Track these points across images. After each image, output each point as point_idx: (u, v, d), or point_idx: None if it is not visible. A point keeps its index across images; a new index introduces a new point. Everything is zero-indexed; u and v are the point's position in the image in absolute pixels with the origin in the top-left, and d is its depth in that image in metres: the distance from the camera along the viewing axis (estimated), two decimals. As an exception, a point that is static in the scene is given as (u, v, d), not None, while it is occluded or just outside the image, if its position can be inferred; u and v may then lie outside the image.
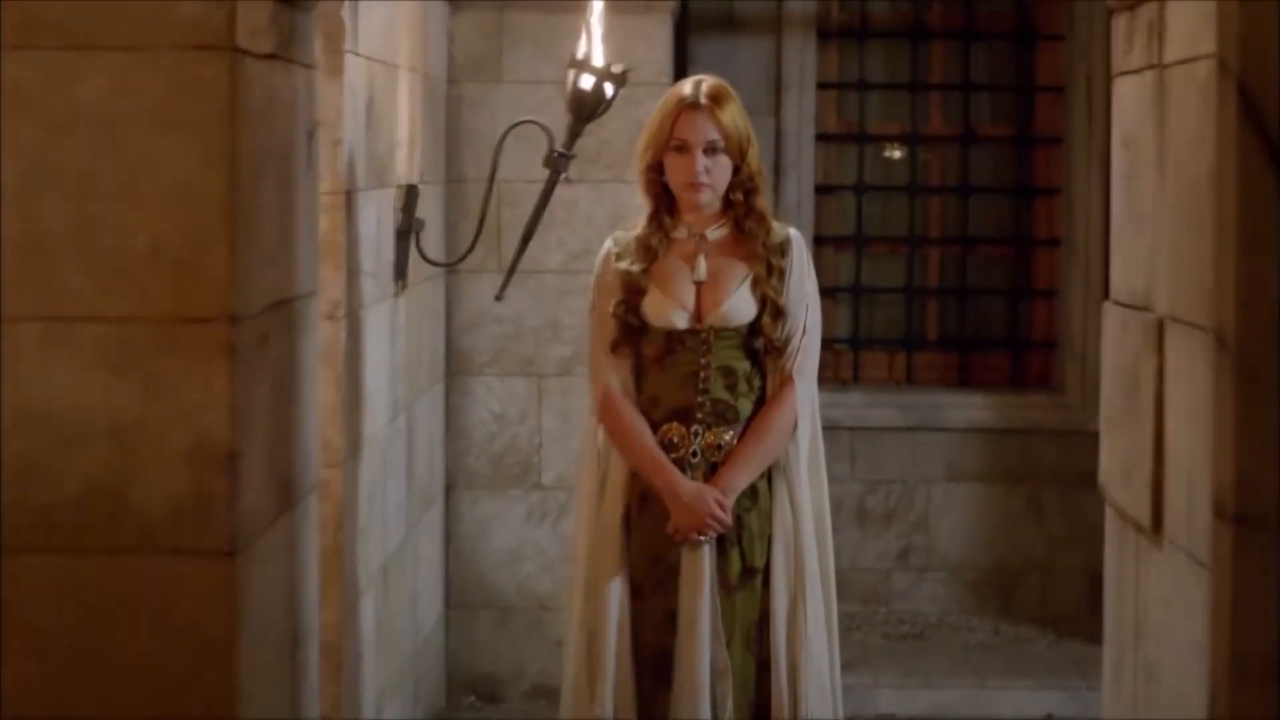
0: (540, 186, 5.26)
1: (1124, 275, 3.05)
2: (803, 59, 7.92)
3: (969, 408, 7.87)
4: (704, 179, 4.45)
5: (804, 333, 4.51)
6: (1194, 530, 2.57)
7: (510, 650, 6.71)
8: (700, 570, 4.40)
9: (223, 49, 2.77)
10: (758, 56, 7.87)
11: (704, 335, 4.45)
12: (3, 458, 2.77)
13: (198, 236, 2.78)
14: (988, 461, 7.82)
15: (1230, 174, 2.38)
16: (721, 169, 4.47)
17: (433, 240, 5.96)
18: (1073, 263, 7.86)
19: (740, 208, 4.51)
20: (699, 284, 4.48)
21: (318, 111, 3.57)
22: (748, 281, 4.47)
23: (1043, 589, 7.81)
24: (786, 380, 4.48)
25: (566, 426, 6.54)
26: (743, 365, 4.48)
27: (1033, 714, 6.82)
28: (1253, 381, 2.38)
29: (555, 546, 6.60)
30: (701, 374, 4.45)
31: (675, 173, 4.47)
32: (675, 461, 4.44)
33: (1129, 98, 3.02)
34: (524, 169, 5.92)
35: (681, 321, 4.46)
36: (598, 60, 4.97)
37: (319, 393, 4.19)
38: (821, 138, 8.04)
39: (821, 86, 8.03)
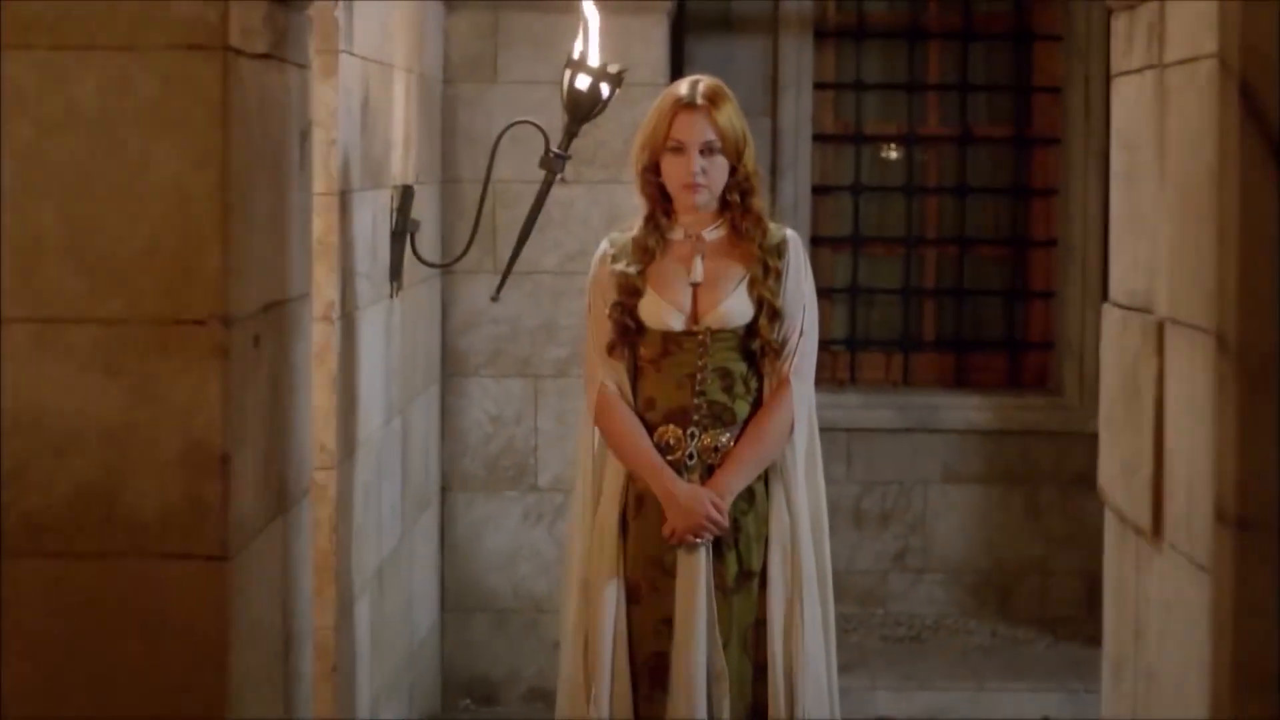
0: (536, 187, 5.24)
1: (1123, 276, 3.03)
2: (799, 59, 7.90)
3: (966, 409, 7.85)
4: (700, 180, 4.43)
5: (801, 334, 4.49)
6: (1194, 533, 2.55)
7: (506, 652, 6.69)
8: (696, 573, 4.39)
9: (216, 49, 2.75)
10: (754, 57, 7.85)
11: (700, 337, 4.44)
12: (2, 460, 2.75)
13: (190, 237, 2.76)
14: (985, 463, 7.80)
15: (1232, 174, 2.36)
16: (718, 170, 4.46)
17: (428, 241, 5.95)
18: (1070, 263, 7.84)
19: (737, 209, 4.50)
20: (695, 285, 4.47)
21: (312, 112, 3.55)
22: (744, 283, 4.46)
23: (1041, 591, 7.79)
24: (783, 382, 4.47)
25: (563, 428, 6.52)
26: (739, 367, 4.47)
27: (1031, 716, 6.80)
28: (1254, 384, 2.36)
29: (551, 548, 6.59)
30: (698, 376, 4.44)
31: (672, 173, 4.46)
32: (671, 464, 4.43)
33: (1128, 98, 3.00)
34: (520, 169, 5.90)
35: (678, 323, 4.44)
36: (594, 60, 4.95)
37: (313, 395, 4.18)
38: (818, 138, 8.03)
39: (818, 87, 8.01)
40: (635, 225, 4.56)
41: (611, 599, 4.46)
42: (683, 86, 4.52)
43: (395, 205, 5.40)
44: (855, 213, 8.10)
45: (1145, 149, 2.85)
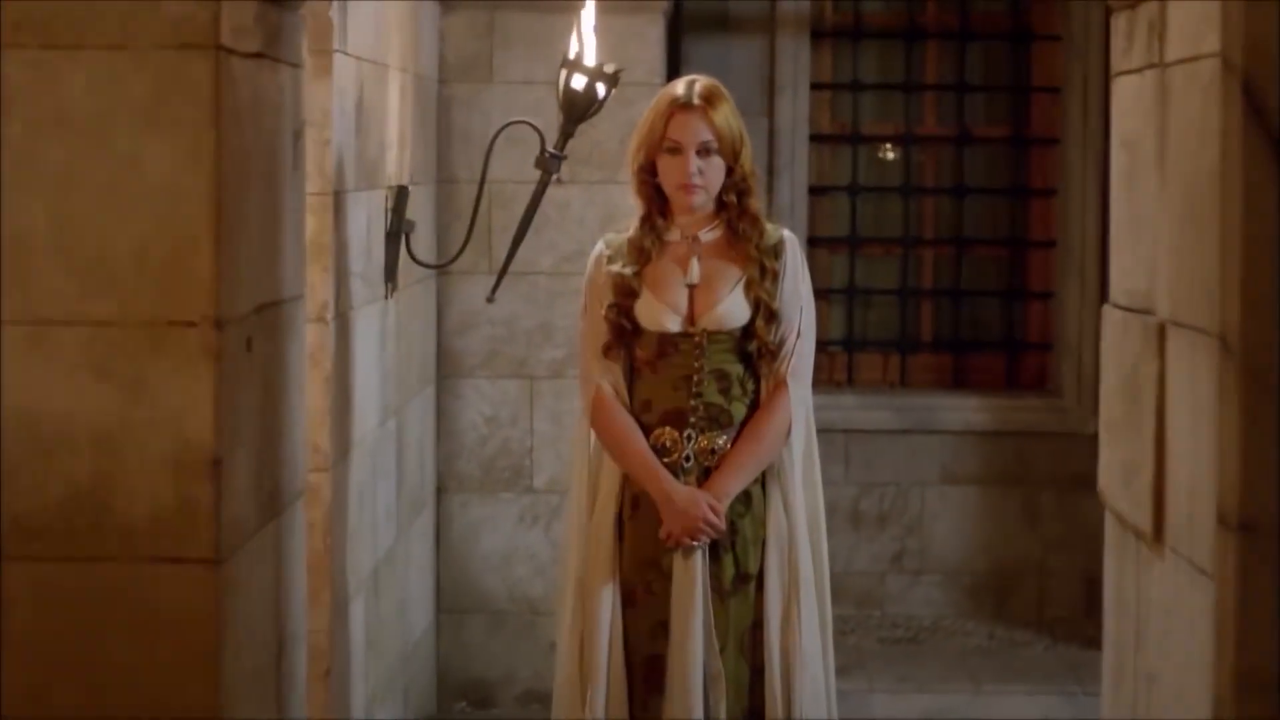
0: (532, 187, 5.23)
1: (1124, 277, 3.01)
2: (796, 59, 7.88)
3: (964, 410, 7.83)
4: (697, 180, 4.41)
5: (798, 335, 4.48)
6: (1196, 537, 2.53)
7: (502, 655, 6.67)
8: (693, 576, 4.37)
9: (207, 48, 2.73)
10: (751, 57, 7.83)
11: (697, 339, 4.42)
12: (2, 463, 2.73)
13: (182, 238, 2.74)
14: (983, 464, 7.79)
15: (1234, 174, 2.34)
16: (715, 170, 4.44)
17: (423, 242, 5.93)
18: (1068, 264, 7.83)
19: (733, 209, 4.48)
20: (692, 287, 4.45)
21: (305, 112, 3.53)
22: (741, 284, 4.44)
23: (1039, 592, 7.78)
24: (780, 384, 4.45)
25: (559, 429, 6.50)
26: (736, 369, 4.45)
27: (1029, 718, 6.78)
28: (1257, 386, 2.34)
29: (547, 550, 6.57)
30: (694, 378, 4.42)
31: (668, 174, 4.44)
32: (668, 466, 4.41)
33: (1129, 97, 2.98)
34: (515, 170, 5.89)
35: (674, 325, 4.42)
36: (590, 60, 4.94)
37: (307, 396, 4.16)
38: (815, 138, 8.01)
39: (815, 87, 7.99)
40: (631, 226, 4.55)
41: (607, 602, 4.44)
42: (679, 86, 4.50)
43: (390, 205, 5.38)
44: (852, 213, 8.08)
45: (1146, 149, 2.83)
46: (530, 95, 6.33)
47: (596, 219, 6.36)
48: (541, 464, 6.63)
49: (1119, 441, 2.99)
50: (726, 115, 4.45)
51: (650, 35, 6.56)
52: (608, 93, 4.99)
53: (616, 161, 5.93)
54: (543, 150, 5.12)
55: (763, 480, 4.48)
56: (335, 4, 4.64)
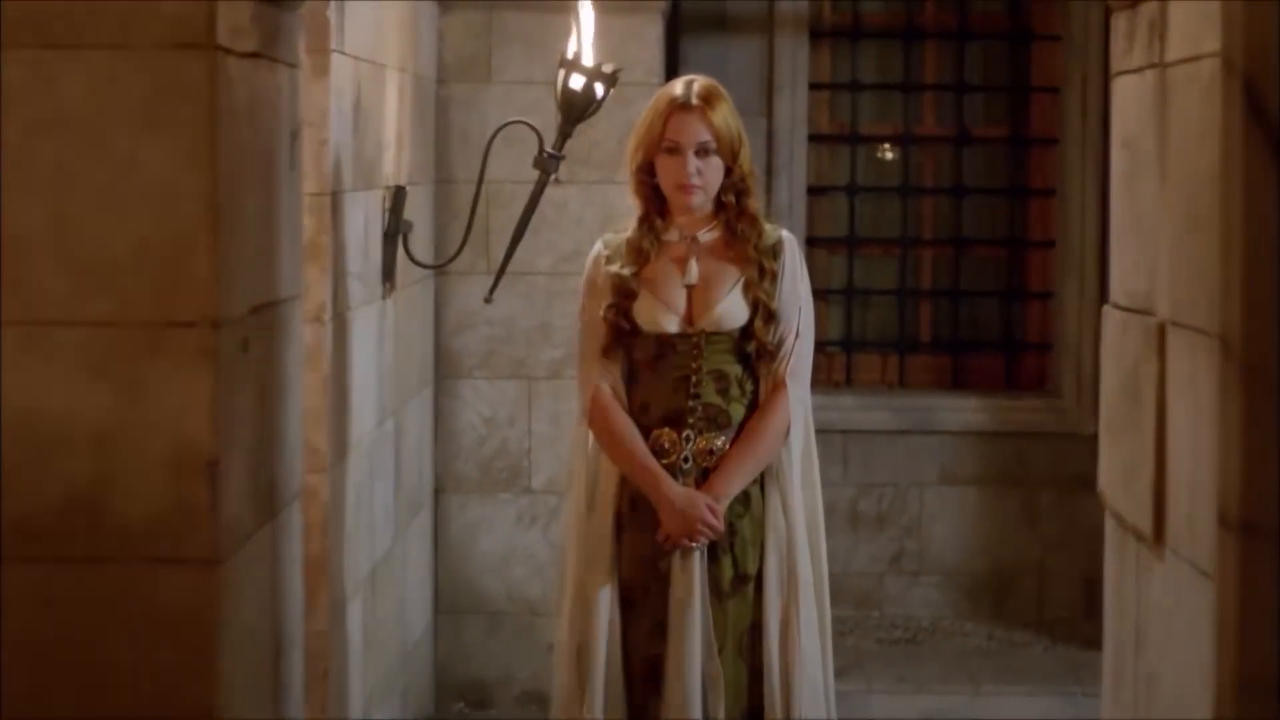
0: (530, 188, 5.22)
1: (1124, 278, 3.00)
2: (795, 59, 7.87)
3: (963, 410, 7.82)
4: (695, 181, 4.41)
5: (796, 336, 4.47)
6: (1197, 539, 2.52)
7: (500, 655, 6.66)
8: (691, 577, 4.36)
9: (204, 48, 2.72)
10: (749, 56, 7.83)
11: (695, 339, 4.41)
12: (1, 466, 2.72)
13: (179, 239, 2.72)
14: (982, 465, 7.78)
15: (1235, 174, 2.32)
16: (713, 170, 4.43)
17: (421, 242, 5.92)
18: (1067, 264, 7.82)
19: (732, 210, 4.47)
20: (690, 287, 4.44)
21: (303, 112, 3.52)
22: (740, 285, 4.43)
23: (1037, 593, 7.77)
24: (779, 384, 4.45)
25: (557, 430, 6.49)
26: (735, 369, 4.44)
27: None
28: (1258, 387, 2.33)
29: (545, 551, 6.56)
30: (693, 378, 4.42)
31: (666, 174, 4.43)
32: (666, 467, 4.40)
33: (1129, 97, 2.97)
34: (514, 170, 5.88)
35: (673, 325, 4.42)
36: (588, 60, 4.93)
37: (305, 397, 4.14)
38: (814, 138, 8.00)
39: (814, 87, 7.99)
40: (630, 226, 4.54)
41: (606, 603, 4.44)
42: (677, 86, 4.49)
43: (388, 206, 5.37)
44: (851, 213, 8.07)
45: (1146, 149, 2.82)
46: (528, 95, 6.32)
47: (595, 219, 6.35)
48: (540, 464, 6.62)
49: (1119, 442, 2.98)
50: (725, 115, 4.44)
51: (648, 35, 6.55)
52: (606, 93, 4.98)
53: (615, 162, 5.92)
54: (541, 150, 5.11)
55: (761, 481, 4.47)
56: (333, 4, 4.63)
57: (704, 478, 4.42)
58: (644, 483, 4.41)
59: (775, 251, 4.48)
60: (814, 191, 8.02)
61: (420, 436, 6.27)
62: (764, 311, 4.43)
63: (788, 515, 4.46)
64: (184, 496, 2.73)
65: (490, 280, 5.53)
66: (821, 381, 7.62)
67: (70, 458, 2.73)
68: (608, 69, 4.94)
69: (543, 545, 6.60)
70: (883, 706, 6.83)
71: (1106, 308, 3.09)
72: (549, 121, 5.14)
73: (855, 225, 8.07)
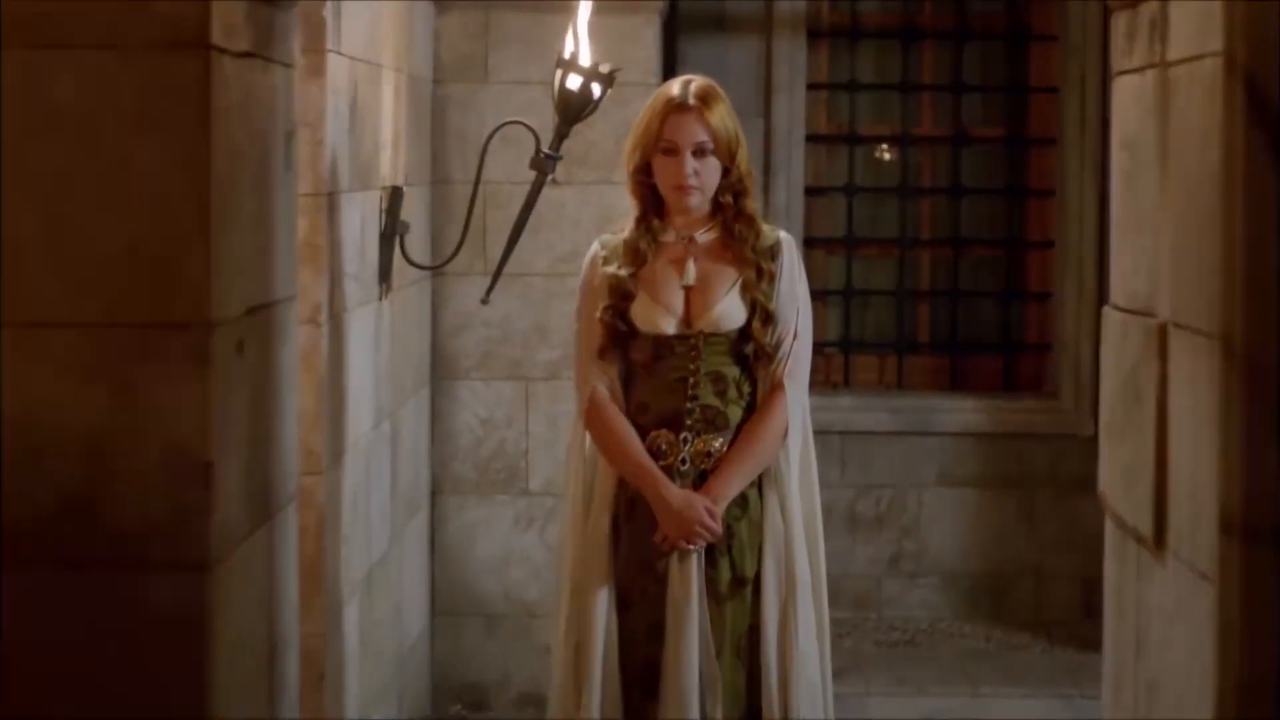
0: (527, 188, 5.19)
1: (1124, 279, 2.98)
2: (793, 59, 7.86)
3: (961, 411, 7.81)
4: (692, 181, 4.39)
5: (794, 337, 4.45)
6: (1198, 542, 2.50)
7: (497, 658, 6.65)
8: (689, 580, 4.34)
9: (198, 47, 2.70)
10: (747, 57, 7.81)
11: (693, 341, 4.39)
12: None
13: (172, 240, 2.70)
14: (980, 466, 7.77)
15: (1237, 174, 2.31)
16: (710, 171, 4.41)
17: (418, 243, 5.90)
18: (1066, 265, 7.81)
19: (729, 210, 4.46)
20: (688, 289, 4.43)
21: (299, 112, 3.50)
22: (737, 286, 4.42)
23: (1036, 595, 7.76)
24: (777, 386, 4.43)
25: (554, 431, 6.48)
26: (732, 371, 4.42)
27: (1026, 721, 6.78)
28: (1260, 389, 2.31)
29: (543, 553, 6.54)
30: (690, 380, 4.40)
31: (663, 175, 4.41)
32: (664, 469, 4.39)
33: (1129, 97, 2.95)
34: (510, 170, 5.87)
35: (670, 327, 4.40)
36: (585, 60, 4.91)
37: (301, 398, 4.13)
38: (812, 139, 7.99)
39: (812, 87, 7.98)
40: (627, 227, 4.52)
41: (603, 605, 4.42)
42: (675, 86, 4.47)
43: (384, 206, 5.36)
44: (849, 214, 8.06)
45: (1147, 149, 2.80)
46: (525, 95, 6.30)
47: (592, 220, 6.33)
48: (537, 466, 6.60)
49: (1120, 445, 2.96)
50: (722, 115, 4.43)
51: (646, 35, 6.54)
52: (603, 93, 4.96)
53: (612, 162, 5.91)
54: (538, 151, 5.09)
55: (759, 483, 4.45)
56: (329, 3, 4.62)
57: (702, 480, 4.40)
58: (641, 485, 4.39)
59: (773, 252, 4.46)
60: (812, 192, 8.01)
61: (417, 438, 6.25)
62: (762, 313, 4.41)
63: (786, 517, 4.44)
64: (178, 499, 2.71)
65: (487, 281, 5.51)
66: (819, 382, 7.62)
67: (63, 460, 2.71)
68: (605, 69, 4.93)
69: (540, 547, 6.59)
70: (881, 708, 6.82)
71: (1106, 309, 3.07)
72: (546, 122, 5.12)
73: (853, 226, 8.06)
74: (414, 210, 5.79)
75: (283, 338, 3.20)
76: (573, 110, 4.95)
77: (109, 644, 2.74)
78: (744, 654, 4.42)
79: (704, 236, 4.47)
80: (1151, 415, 2.72)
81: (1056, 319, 7.87)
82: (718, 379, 4.41)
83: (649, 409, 4.43)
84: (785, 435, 4.44)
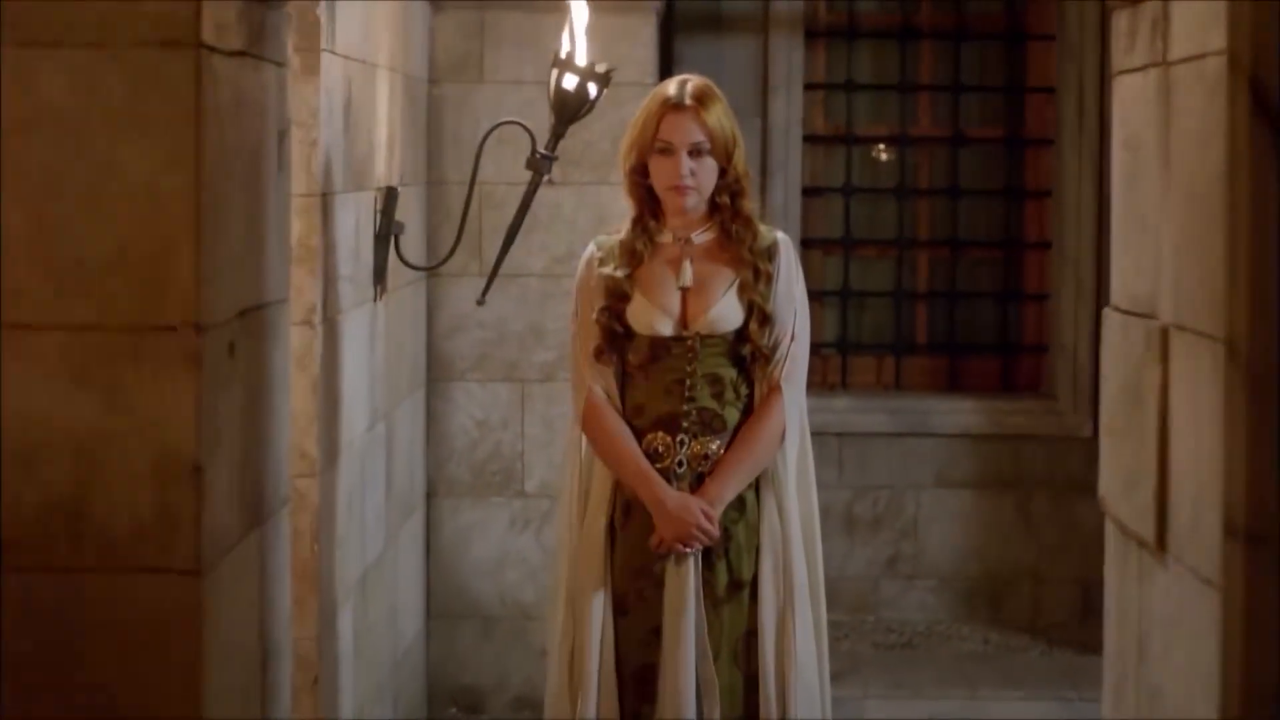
0: (523, 189, 5.18)
1: (1125, 281, 2.95)
2: (790, 59, 7.85)
3: (959, 413, 7.80)
4: (689, 182, 4.36)
5: (792, 339, 4.43)
6: (1201, 547, 2.47)
7: (493, 661, 6.62)
8: (685, 583, 4.32)
9: (188, 45, 2.67)
10: (744, 56, 7.80)
11: (690, 342, 4.37)
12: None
13: (162, 241, 2.67)
14: (978, 467, 7.75)
15: (1241, 174, 2.28)
16: (707, 171, 4.39)
17: (413, 244, 5.88)
18: (1064, 266, 7.79)
19: (726, 211, 4.43)
20: (684, 290, 4.40)
21: (292, 112, 3.48)
22: (734, 287, 4.39)
23: (1034, 597, 7.74)
24: (774, 388, 4.41)
25: (550, 433, 6.45)
26: (729, 373, 4.40)
27: (1024, 724, 6.76)
28: (1264, 392, 2.29)
29: (539, 555, 6.52)
30: (687, 382, 4.37)
31: (660, 175, 4.39)
32: (660, 471, 4.36)
33: (1131, 97, 2.92)
34: (506, 171, 5.85)
35: (667, 328, 4.37)
36: (581, 60, 4.88)
37: (295, 400, 4.11)
38: (809, 139, 7.98)
39: (809, 87, 7.97)
40: (623, 228, 4.50)
41: (599, 609, 4.39)
42: (671, 86, 4.45)
43: (379, 207, 5.33)
44: (846, 214, 8.05)
45: (1148, 149, 2.78)
46: (521, 95, 6.28)
47: (588, 221, 6.31)
48: (533, 468, 6.58)
49: (1121, 448, 2.94)
50: (719, 115, 4.40)
51: (642, 34, 6.52)
52: (599, 93, 4.94)
53: (608, 162, 5.89)
54: (534, 151, 5.07)
55: (757, 486, 4.43)
56: (322, 2, 4.59)
57: (698, 482, 4.37)
58: (638, 487, 4.37)
59: (770, 254, 4.43)
60: (809, 192, 7.99)
61: (412, 440, 6.23)
62: (759, 314, 4.39)
63: (783, 519, 4.42)
64: (167, 504, 2.69)
65: (483, 282, 5.49)
66: (817, 383, 7.58)
67: (51, 464, 2.68)
68: (601, 69, 4.90)
69: (536, 549, 6.56)
70: (879, 711, 6.80)
71: (1107, 311, 3.05)
72: (542, 122, 5.10)
73: (850, 226, 8.05)
74: (409, 211, 5.77)
75: (275, 340, 3.18)
76: (569, 110, 4.93)
77: (98, 651, 2.71)
78: (741, 658, 4.40)
79: (701, 237, 4.45)
80: (1153, 418, 2.70)
81: (1054, 320, 7.85)
82: (715, 381, 4.39)
83: (645, 411, 4.40)
84: (783, 437, 4.41)
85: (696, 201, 4.41)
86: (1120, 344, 2.95)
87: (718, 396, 4.39)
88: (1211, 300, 2.40)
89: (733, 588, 4.39)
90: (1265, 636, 2.31)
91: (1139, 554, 2.82)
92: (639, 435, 4.40)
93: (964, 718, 6.78)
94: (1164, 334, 2.67)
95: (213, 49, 2.73)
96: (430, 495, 6.58)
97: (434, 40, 6.49)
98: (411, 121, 6.06)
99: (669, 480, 4.35)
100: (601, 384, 4.44)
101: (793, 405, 4.42)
